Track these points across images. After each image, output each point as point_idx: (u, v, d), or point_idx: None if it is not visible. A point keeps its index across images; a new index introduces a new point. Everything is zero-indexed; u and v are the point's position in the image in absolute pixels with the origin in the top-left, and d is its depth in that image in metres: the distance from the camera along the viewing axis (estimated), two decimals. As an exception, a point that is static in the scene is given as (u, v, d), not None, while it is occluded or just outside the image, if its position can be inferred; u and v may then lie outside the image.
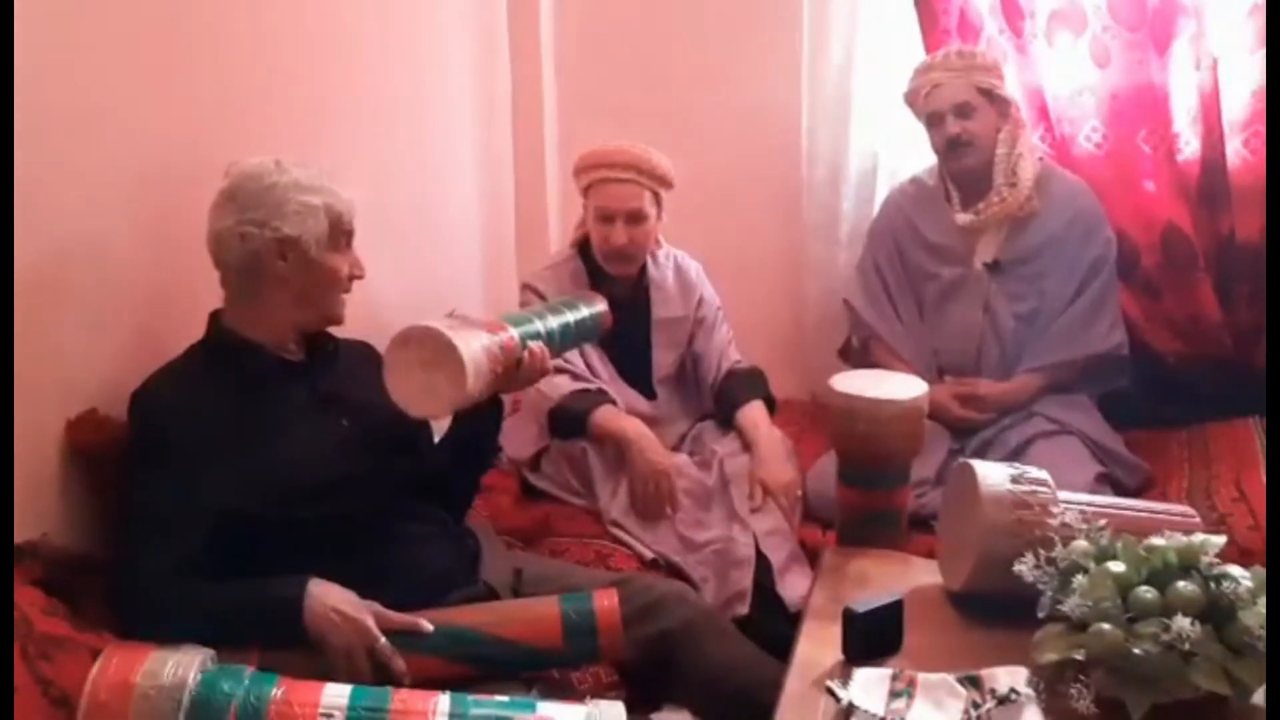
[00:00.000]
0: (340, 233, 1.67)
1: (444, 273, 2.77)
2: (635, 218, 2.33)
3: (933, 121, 2.47)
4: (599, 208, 2.34)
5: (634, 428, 2.27)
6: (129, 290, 1.70)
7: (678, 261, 2.53)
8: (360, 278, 1.72)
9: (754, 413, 2.39)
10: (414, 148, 2.60)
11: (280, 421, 1.62)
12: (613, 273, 2.40)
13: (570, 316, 1.93)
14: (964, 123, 2.42)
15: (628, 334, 2.39)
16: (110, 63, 1.64)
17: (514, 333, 1.70)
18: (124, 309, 1.70)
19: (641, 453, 2.22)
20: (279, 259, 1.61)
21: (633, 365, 2.47)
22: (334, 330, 1.76)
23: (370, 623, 1.48)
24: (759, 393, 2.44)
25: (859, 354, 2.72)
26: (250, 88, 1.95)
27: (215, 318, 1.67)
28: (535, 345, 1.72)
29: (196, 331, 1.67)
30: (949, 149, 2.46)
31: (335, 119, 2.23)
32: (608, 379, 2.42)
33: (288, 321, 1.68)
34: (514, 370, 1.68)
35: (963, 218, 2.48)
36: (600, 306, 2.07)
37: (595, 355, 2.42)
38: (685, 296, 2.51)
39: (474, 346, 1.57)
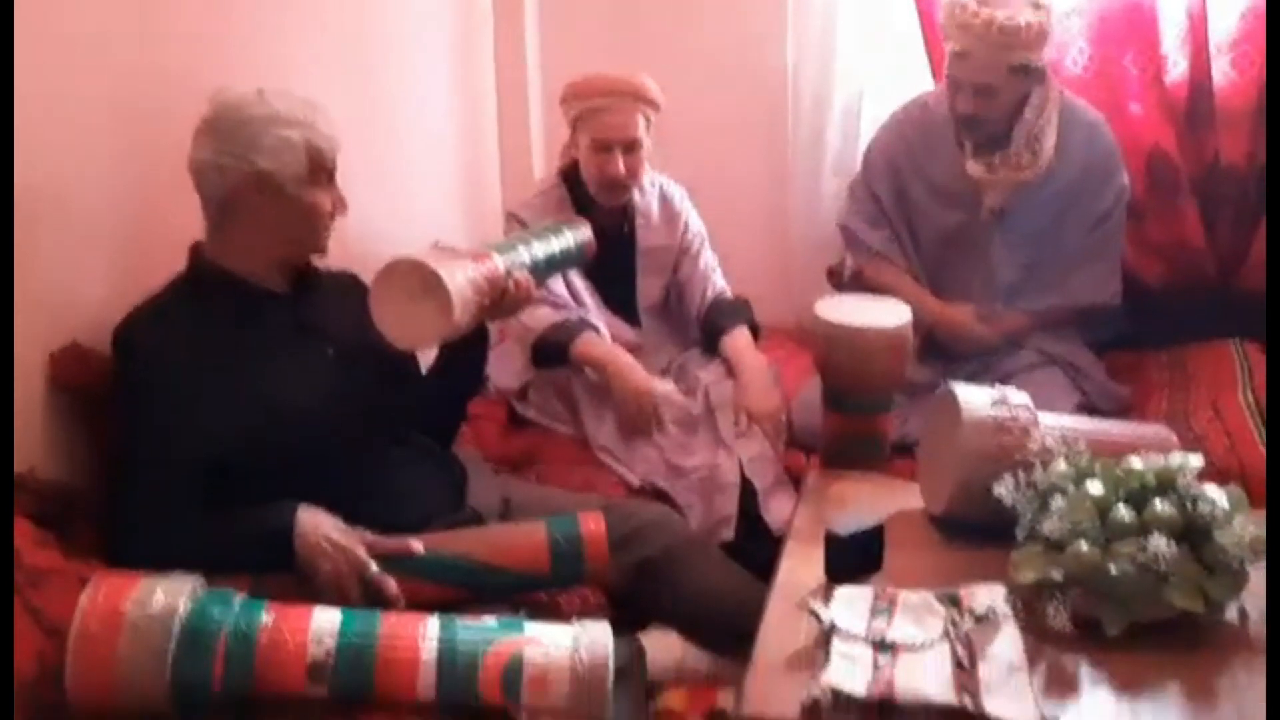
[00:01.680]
0: (321, 169, 1.63)
1: (426, 202, 2.75)
2: (632, 146, 2.30)
3: (953, 84, 2.30)
4: (596, 139, 2.29)
5: (612, 354, 2.28)
6: (109, 222, 1.68)
7: (663, 189, 2.50)
8: (343, 213, 1.69)
9: (738, 340, 2.39)
10: (394, 76, 2.55)
11: (265, 352, 1.61)
12: (605, 203, 2.37)
13: (555, 244, 1.92)
14: (981, 101, 2.26)
15: (613, 262, 2.38)
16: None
17: (499, 262, 1.69)
18: (104, 241, 1.68)
19: (621, 376, 2.24)
20: (256, 193, 1.58)
21: (618, 293, 2.47)
22: (317, 260, 1.74)
23: (361, 551, 1.48)
24: (743, 320, 2.44)
25: (851, 284, 2.60)
26: (229, 13, 1.91)
27: (196, 250, 1.65)
28: (520, 275, 1.72)
29: (179, 263, 1.65)
30: (961, 121, 2.33)
31: (313, 47, 2.18)
32: (593, 307, 2.41)
33: (268, 254, 1.65)
34: (500, 300, 1.68)
35: (974, 167, 2.33)
36: (584, 231, 2.05)
37: (581, 284, 2.41)
38: (670, 224, 2.49)
39: (459, 278, 1.56)
